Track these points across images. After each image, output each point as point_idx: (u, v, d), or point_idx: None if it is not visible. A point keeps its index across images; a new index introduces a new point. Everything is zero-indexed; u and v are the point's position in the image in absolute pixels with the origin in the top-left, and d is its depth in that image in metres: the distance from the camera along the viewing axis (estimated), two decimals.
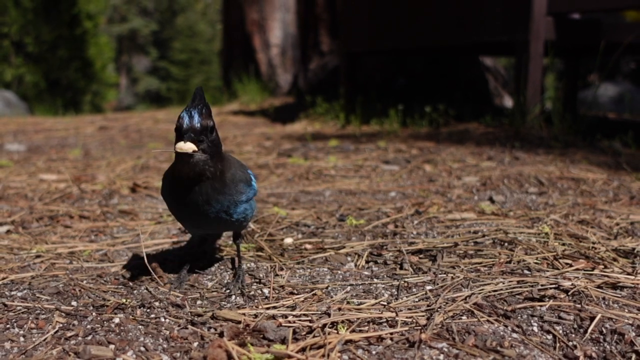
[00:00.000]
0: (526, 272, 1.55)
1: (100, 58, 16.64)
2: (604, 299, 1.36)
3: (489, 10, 4.19)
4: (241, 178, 1.50)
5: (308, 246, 1.87)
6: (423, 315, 1.29)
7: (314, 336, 1.20)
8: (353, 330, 1.22)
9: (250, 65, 9.50)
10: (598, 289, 1.41)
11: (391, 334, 1.21)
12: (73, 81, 15.44)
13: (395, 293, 1.46)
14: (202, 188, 1.39)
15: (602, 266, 1.57)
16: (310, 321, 1.28)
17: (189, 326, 1.28)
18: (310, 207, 2.37)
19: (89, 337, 1.22)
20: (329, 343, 1.14)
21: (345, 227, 2.07)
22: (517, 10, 3.90)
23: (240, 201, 1.48)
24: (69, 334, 1.24)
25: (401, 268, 1.64)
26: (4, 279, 1.57)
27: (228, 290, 1.51)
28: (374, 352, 1.14)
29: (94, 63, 16.32)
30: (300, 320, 1.29)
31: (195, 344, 1.20)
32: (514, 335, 1.21)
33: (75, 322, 1.30)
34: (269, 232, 2.04)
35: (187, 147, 1.31)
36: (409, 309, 1.34)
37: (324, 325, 1.24)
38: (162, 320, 1.32)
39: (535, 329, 1.24)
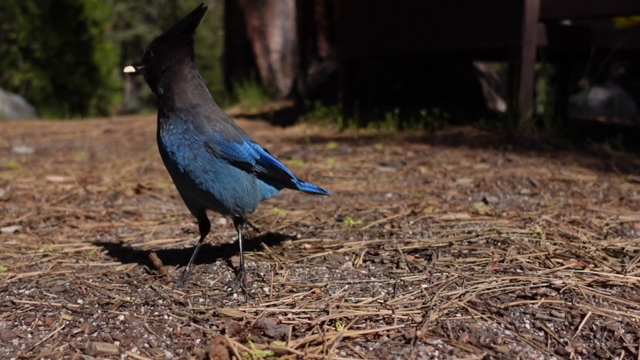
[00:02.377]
0: (519, 271, 1.55)
1: (106, 63, 16.64)
2: (594, 297, 1.36)
3: (483, 17, 4.19)
4: (217, 119, 1.49)
5: (307, 246, 1.87)
6: (419, 313, 1.29)
7: (312, 333, 1.20)
8: (351, 328, 1.22)
9: (251, 70, 9.51)
10: (588, 287, 1.41)
11: (388, 330, 1.21)
12: (79, 86, 15.44)
13: (392, 291, 1.46)
14: (162, 109, 1.50)
15: (593, 265, 1.57)
16: (309, 318, 1.28)
17: (192, 323, 1.28)
18: (309, 208, 2.37)
19: (95, 334, 1.22)
20: (328, 340, 1.14)
21: (343, 227, 2.07)
22: (510, 17, 3.91)
23: (213, 138, 1.45)
24: (75, 331, 1.24)
25: (397, 267, 1.64)
26: (12, 277, 1.57)
27: (229, 289, 1.50)
28: (371, 349, 1.14)
29: (100, 68, 16.32)
30: (299, 317, 1.29)
31: (198, 340, 1.20)
32: (507, 332, 1.21)
33: (81, 320, 1.30)
34: (269, 232, 2.04)
35: (126, 69, 1.55)
36: (405, 307, 1.34)
37: (323, 323, 1.24)
38: (166, 317, 1.32)
39: (528, 326, 1.24)
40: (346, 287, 1.50)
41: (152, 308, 1.37)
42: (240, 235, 1.64)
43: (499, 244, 1.79)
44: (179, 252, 1.89)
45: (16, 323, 1.28)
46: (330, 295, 1.44)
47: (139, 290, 1.52)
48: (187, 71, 1.49)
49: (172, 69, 1.48)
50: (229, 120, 1.53)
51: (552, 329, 1.22)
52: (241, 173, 1.54)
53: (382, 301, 1.38)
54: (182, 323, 1.28)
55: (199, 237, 2.02)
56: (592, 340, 1.18)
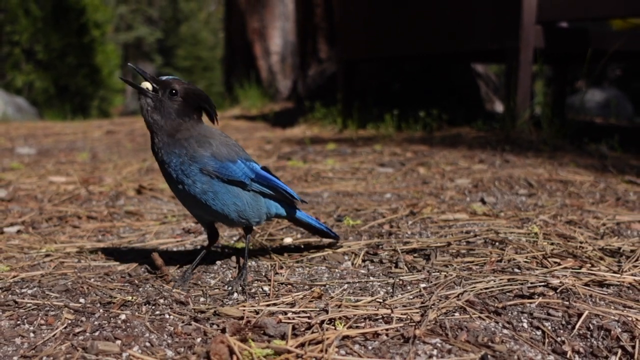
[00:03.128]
0: (516, 270, 1.55)
1: (108, 65, 16.61)
2: (591, 296, 1.36)
3: (480, 19, 4.19)
4: (208, 142, 1.49)
5: (307, 245, 1.87)
6: (417, 312, 1.29)
7: (312, 332, 1.20)
8: (350, 327, 1.22)
9: (251, 71, 9.50)
10: (585, 287, 1.41)
11: (386, 330, 1.21)
12: (81, 87, 15.41)
13: (391, 291, 1.46)
14: (157, 138, 1.49)
15: (589, 265, 1.57)
16: (309, 318, 1.28)
17: (193, 322, 1.28)
18: (309, 208, 2.37)
19: (97, 333, 1.22)
20: (327, 339, 1.14)
21: (342, 227, 2.07)
22: (508, 19, 3.91)
23: (206, 164, 1.46)
24: (77, 330, 1.24)
25: (396, 267, 1.64)
26: (14, 277, 1.57)
27: (230, 288, 1.50)
28: (370, 348, 1.14)
29: (102, 70, 16.28)
30: (299, 316, 1.29)
31: (199, 339, 1.20)
32: (505, 331, 1.21)
33: (83, 319, 1.30)
34: (269, 232, 2.04)
35: (144, 84, 1.49)
36: (404, 306, 1.34)
37: (322, 322, 1.24)
38: (167, 316, 1.32)
39: (525, 325, 1.24)
40: (345, 286, 1.50)
41: (153, 307, 1.37)
42: (247, 239, 1.64)
43: (497, 243, 1.79)
44: (180, 252, 1.89)
45: (19, 322, 1.28)
46: (329, 294, 1.44)
47: (140, 289, 1.52)
48: (192, 122, 1.52)
49: (187, 123, 1.50)
50: (222, 138, 1.54)
51: (549, 328, 1.22)
52: (241, 191, 1.55)
53: (381, 300, 1.38)
54: (183, 322, 1.28)
55: (200, 238, 2.02)
56: (589, 339, 1.18)
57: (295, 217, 1.74)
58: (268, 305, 1.37)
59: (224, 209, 1.53)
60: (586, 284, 1.43)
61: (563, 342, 1.17)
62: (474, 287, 1.42)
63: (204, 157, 1.47)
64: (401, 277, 1.54)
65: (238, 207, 1.54)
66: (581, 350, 1.14)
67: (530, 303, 1.32)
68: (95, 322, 1.28)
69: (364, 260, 1.71)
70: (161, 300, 1.41)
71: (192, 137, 1.48)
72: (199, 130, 1.51)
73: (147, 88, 1.48)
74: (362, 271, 1.63)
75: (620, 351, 1.13)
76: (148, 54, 29.63)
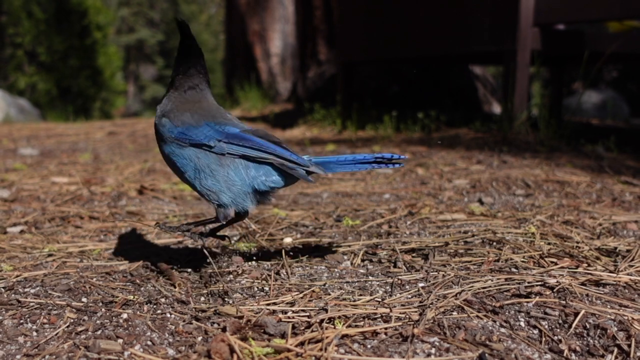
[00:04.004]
0: (513, 270, 1.56)
1: (109, 67, 16.61)
2: (587, 295, 1.36)
3: (478, 22, 4.20)
4: (176, 106, 1.53)
5: (306, 245, 1.87)
6: (416, 311, 1.29)
7: (312, 331, 1.20)
8: (349, 326, 1.22)
9: (251, 73, 9.51)
10: (582, 286, 1.41)
11: (385, 328, 1.21)
12: (83, 89, 15.42)
13: (389, 290, 1.46)
14: None
15: (586, 264, 1.57)
16: (309, 317, 1.28)
17: (194, 321, 1.28)
18: (308, 209, 2.37)
19: (99, 332, 1.22)
20: (327, 337, 1.14)
21: (341, 228, 2.07)
22: (505, 21, 3.91)
23: (160, 122, 1.52)
24: (79, 328, 1.24)
25: (395, 266, 1.64)
26: (17, 276, 1.57)
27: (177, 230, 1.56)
28: (369, 346, 1.14)
29: (103, 71, 16.29)
30: (299, 315, 1.29)
31: (200, 338, 1.20)
32: (502, 330, 1.21)
33: (86, 318, 1.30)
34: (269, 232, 2.04)
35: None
36: (402, 305, 1.34)
37: (322, 321, 1.24)
38: (168, 315, 1.32)
39: (522, 324, 1.24)
40: (345, 285, 1.50)
41: (154, 306, 1.37)
42: (226, 228, 1.65)
43: (494, 243, 1.79)
44: (180, 251, 1.89)
45: (22, 321, 1.28)
46: (329, 293, 1.44)
47: (142, 289, 1.52)
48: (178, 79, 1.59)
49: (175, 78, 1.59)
50: (195, 105, 1.53)
51: (546, 327, 1.22)
52: (203, 155, 1.44)
53: (379, 300, 1.38)
54: (184, 321, 1.28)
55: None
56: (585, 338, 1.18)
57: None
58: (268, 305, 1.37)
59: (183, 175, 1.47)
60: (583, 284, 1.43)
61: (560, 340, 1.17)
62: (472, 287, 1.42)
63: (162, 117, 1.52)
64: (400, 277, 1.54)
65: (198, 174, 1.44)
66: (578, 348, 1.14)
67: (528, 302, 1.32)
68: (97, 321, 1.28)
69: (363, 260, 1.72)
70: (162, 300, 1.41)
71: (168, 97, 1.56)
72: (180, 94, 1.56)
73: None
74: (361, 271, 1.63)
75: (616, 350, 1.13)
76: (149, 56, 29.62)
